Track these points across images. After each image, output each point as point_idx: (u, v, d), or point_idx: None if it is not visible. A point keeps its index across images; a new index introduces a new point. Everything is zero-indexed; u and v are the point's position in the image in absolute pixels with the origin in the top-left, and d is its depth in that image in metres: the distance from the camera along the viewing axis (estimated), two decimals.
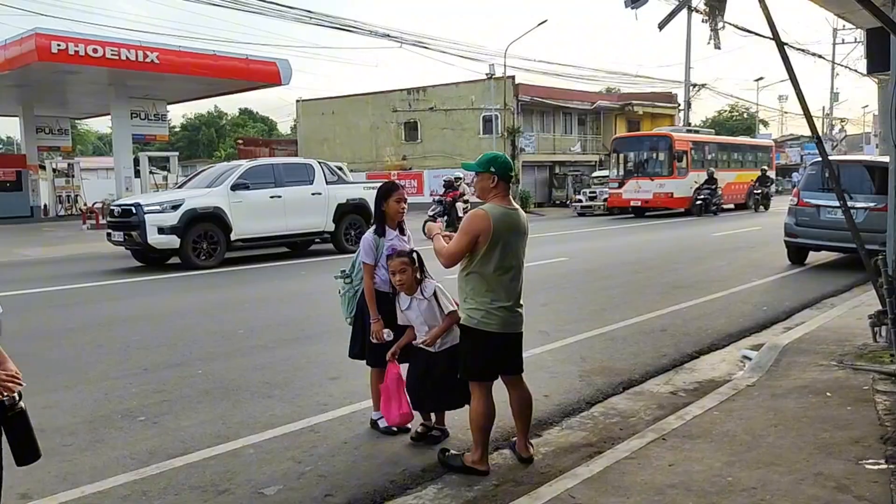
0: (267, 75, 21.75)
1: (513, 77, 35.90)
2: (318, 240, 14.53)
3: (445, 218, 18.48)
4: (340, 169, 19.43)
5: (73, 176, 29.56)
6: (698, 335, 6.93)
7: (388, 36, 25.99)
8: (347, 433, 4.36)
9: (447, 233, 3.89)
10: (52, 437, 4.32)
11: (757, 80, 51.36)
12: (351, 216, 14.36)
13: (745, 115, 59.36)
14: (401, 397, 4.10)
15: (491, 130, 34.89)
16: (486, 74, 35.18)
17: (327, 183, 14.09)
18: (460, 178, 19.66)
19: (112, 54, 17.97)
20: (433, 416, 4.31)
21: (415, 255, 4.07)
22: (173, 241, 12.10)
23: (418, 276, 4.03)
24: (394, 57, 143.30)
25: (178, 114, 67.36)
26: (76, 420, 4.63)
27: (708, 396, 4.87)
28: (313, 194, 13.81)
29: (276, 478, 3.70)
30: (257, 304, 8.97)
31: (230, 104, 72.67)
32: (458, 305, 4.03)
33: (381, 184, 4.59)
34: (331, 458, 3.98)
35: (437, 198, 19.78)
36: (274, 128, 71.40)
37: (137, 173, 22.95)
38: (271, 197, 13.22)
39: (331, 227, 14.12)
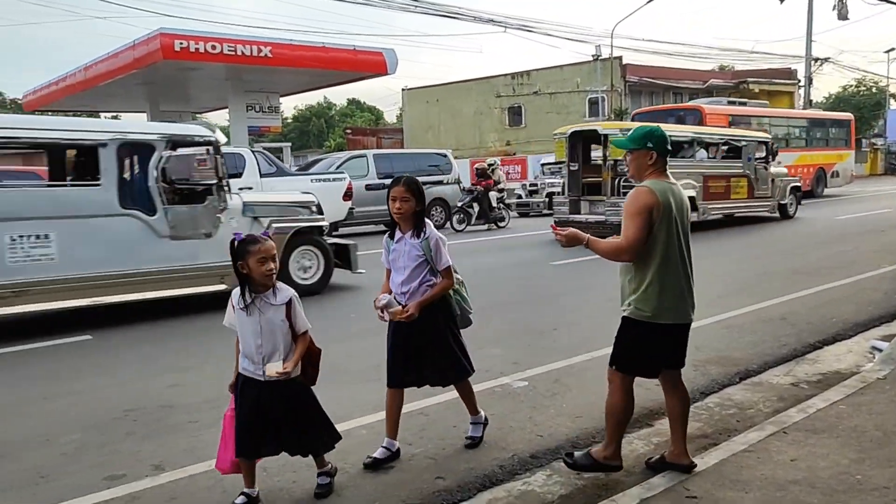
0: (374, 65, 22.12)
1: (620, 57, 35.04)
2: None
3: (477, 208, 17.09)
4: (445, 156, 19.46)
5: None
6: (822, 324, 6.55)
7: (493, 21, 25.97)
8: (455, 418, 4.41)
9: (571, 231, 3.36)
10: (180, 414, 4.60)
11: (887, 51, 47.77)
12: None
13: (873, 90, 55.31)
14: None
15: (597, 113, 34.21)
16: (593, 56, 34.49)
17: (261, 175, 12.35)
18: (493, 165, 18.06)
19: (229, 50, 18.78)
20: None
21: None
22: None
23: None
24: (498, 42, 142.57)
25: (290, 105, 69.87)
26: (200, 399, 4.90)
27: (833, 389, 4.60)
28: (242, 189, 11.15)
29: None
30: (360, 292, 9.18)
31: (339, 95, 74.71)
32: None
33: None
34: (440, 441, 4.04)
35: (468, 186, 18.02)
36: (380, 117, 72.76)
37: None
38: None
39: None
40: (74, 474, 3.76)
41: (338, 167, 16.91)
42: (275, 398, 3.23)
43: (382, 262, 3.89)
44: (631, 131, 3.44)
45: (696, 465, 3.46)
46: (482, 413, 4.08)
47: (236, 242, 3.23)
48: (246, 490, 3.33)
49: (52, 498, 3.47)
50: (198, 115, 31.29)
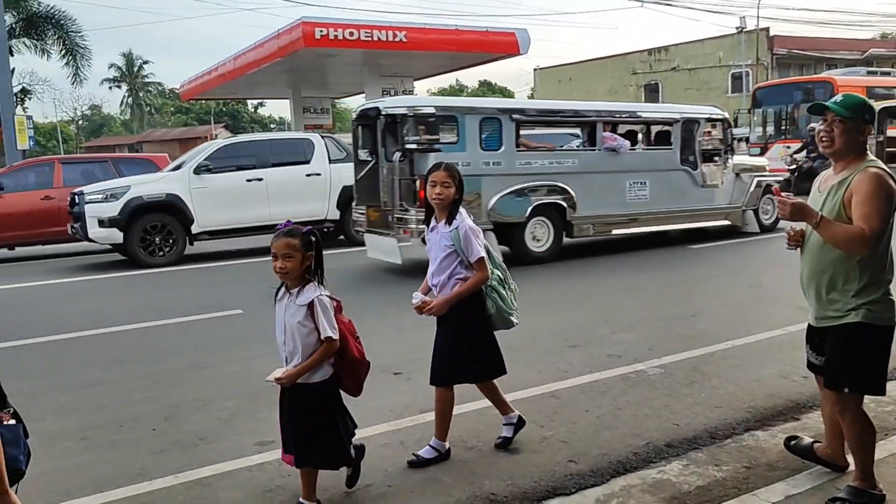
0: (506, 46, 22.00)
1: (767, 29, 33.05)
2: (325, 228, 12.04)
3: None
4: (577, 136, 19.05)
5: None
6: None
7: None
8: (588, 402, 4.38)
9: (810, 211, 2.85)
10: None
11: None
12: None
13: None
14: None
15: (741, 88, 32.46)
16: (737, 28, 32.81)
17: (330, 161, 12.10)
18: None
19: (366, 36, 19.29)
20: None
21: (312, 238, 3.06)
22: (114, 236, 10.76)
23: (310, 271, 3.07)
24: (634, 17, 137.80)
25: (423, 89, 70.88)
26: None
27: None
28: (309, 175, 11.91)
29: (520, 440, 3.82)
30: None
31: (470, 77, 75.24)
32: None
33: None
34: (572, 424, 4.03)
35: None
36: (512, 98, 72.50)
37: None
38: (248, 180, 11.41)
39: (334, 214, 12.10)
40: (229, 438, 4.07)
41: (208, 156, 16.40)
42: (292, 401, 3.10)
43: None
44: (842, 98, 2.97)
45: (848, 467, 3.23)
46: (447, 444, 3.70)
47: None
48: (302, 500, 3.16)
49: (210, 459, 3.77)
50: (336, 101, 32.26)
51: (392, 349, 5.66)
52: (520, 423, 3.82)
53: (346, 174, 11.91)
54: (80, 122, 73.29)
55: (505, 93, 73.15)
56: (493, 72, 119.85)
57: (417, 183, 8.62)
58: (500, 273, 3.69)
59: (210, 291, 8.82)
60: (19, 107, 22.44)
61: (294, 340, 3.03)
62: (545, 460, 3.60)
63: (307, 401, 3.07)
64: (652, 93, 38.25)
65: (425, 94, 69.47)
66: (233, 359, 5.74)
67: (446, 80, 70.04)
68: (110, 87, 67.85)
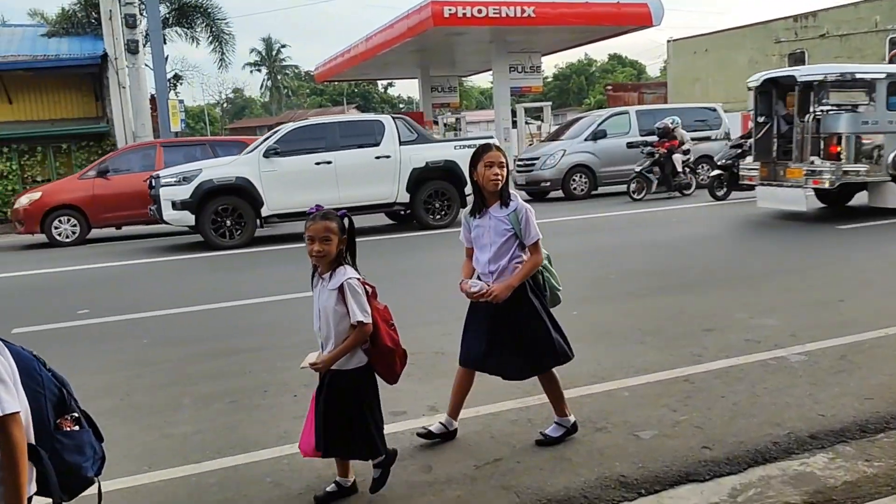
0: (638, 18, 21.35)
1: None
2: (401, 212, 12.42)
3: (658, 174, 14.74)
4: (714, 110, 18.16)
5: (459, 129, 32.71)
6: None
7: None
8: (724, 388, 4.22)
9: None
10: (450, 361, 4.81)
11: None
12: (434, 183, 12.05)
13: None
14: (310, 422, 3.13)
15: None
16: None
17: (401, 143, 11.86)
18: (677, 123, 15.04)
19: (494, 13, 19.27)
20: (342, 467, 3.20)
21: (346, 221, 3.01)
22: (187, 218, 11.15)
23: (342, 254, 3.01)
24: None
25: (550, 64, 69.85)
26: None
27: None
28: (378, 158, 11.74)
29: (651, 422, 3.75)
30: (626, 251, 9.04)
31: (599, 51, 73.42)
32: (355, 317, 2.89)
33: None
34: (707, 410, 3.90)
35: (647, 149, 15.13)
36: (643, 71, 70.06)
37: (514, 124, 24.54)
38: (317, 163, 11.39)
39: (404, 197, 11.95)
40: None
41: (598, 125, 16.74)
42: (326, 388, 3.04)
43: (461, 241, 3.60)
44: None
45: None
46: (571, 417, 3.63)
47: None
48: (338, 479, 3.18)
49: None
50: (463, 79, 32.30)
51: None
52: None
53: (416, 156, 11.89)
54: (225, 105, 77.81)
55: (636, 66, 70.82)
56: (625, 44, 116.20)
57: (823, 141, 10.29)
58: (545, 251, 3.58)
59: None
60: (172, 91, 24.07)
61: (328, 326, 2.99)
62: (678, 445, 3.51)
63: (340, 389, 3.02)
64: (796, 63, 35.71)
65: (552, 69, 68.49)
66: None
67: (574, 54, 68.71)
68: (251, 71, 71.67)
